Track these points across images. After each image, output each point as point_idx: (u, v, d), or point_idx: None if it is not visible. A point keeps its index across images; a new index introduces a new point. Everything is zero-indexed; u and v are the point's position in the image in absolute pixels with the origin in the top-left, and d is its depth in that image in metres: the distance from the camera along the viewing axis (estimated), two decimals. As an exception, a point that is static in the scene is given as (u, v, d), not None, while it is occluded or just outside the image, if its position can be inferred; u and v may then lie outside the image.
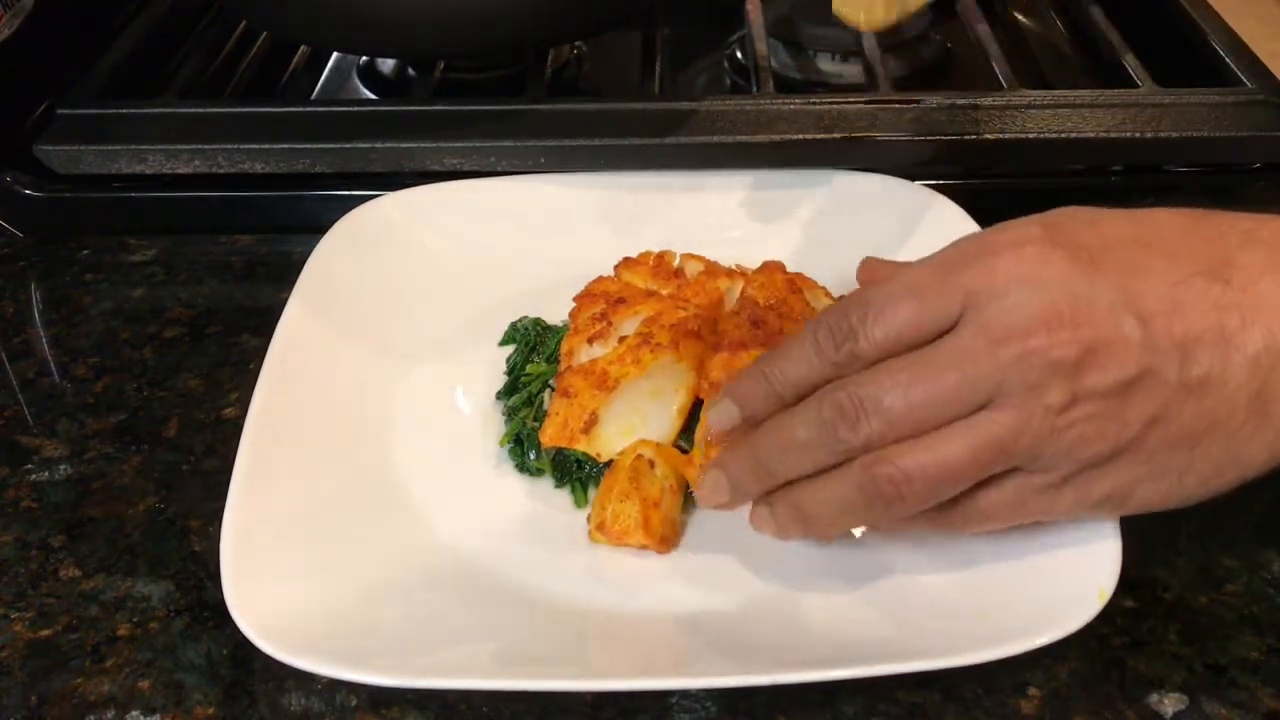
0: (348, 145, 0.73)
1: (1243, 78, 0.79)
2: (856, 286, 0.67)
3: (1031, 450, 0.44)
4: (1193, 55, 0.85)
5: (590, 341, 0.58)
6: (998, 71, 0.81)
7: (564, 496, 0.58)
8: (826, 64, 0.93)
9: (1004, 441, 0.43)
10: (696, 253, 0.66)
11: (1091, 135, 0.73)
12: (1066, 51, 0.97)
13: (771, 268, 0.61)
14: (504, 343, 0.66)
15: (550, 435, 0.56)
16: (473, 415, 0.62)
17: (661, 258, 0.65)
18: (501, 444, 0.60)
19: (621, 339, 0.58)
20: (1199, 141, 0.74)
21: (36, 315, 0.72)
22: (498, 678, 0.47)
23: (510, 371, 0.63)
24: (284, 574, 0.50)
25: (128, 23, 0.89)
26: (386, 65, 0.94)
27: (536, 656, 0.49)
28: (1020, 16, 0.99)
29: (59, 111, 0.77)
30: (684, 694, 0.49)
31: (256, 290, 0.73)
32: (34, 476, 0.60)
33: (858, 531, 0.55)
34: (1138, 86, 0.79)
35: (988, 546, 0.52)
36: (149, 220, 0.78)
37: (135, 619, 0.52)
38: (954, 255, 0.46)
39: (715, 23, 1.00)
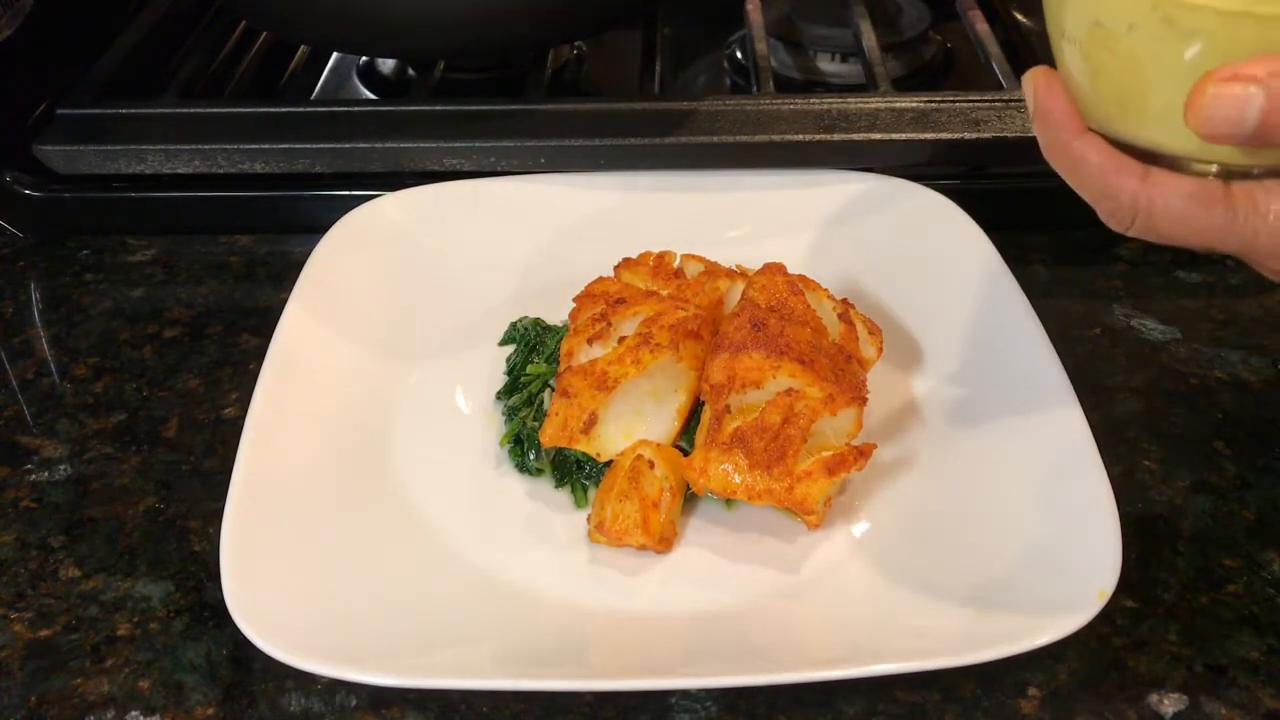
0: (348, 145, 0.73)
1: (1243, 78, 0.79)
2: (858, 288, 0.68)
3: None
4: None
5: (590, 342, 0.58)
6: (997, 71, 0.81)
7: (564, 496, 0.58)
8: (826, 64, 0.93)
9: None
10: (696, 253, 0.66)
11: (1091, 135, 0.73)
12: (1066, 51, 0.96)
13: (772, 269, 0.61)
14: (504, 343, 0.66)
15: (550, 435, 0.56)
16: (473, 415, 0.62)
17: (661, 258, 0.65)
18: (501, 444, 0.60)
19: (621, 339, 0.58)
20: (1199, 141, 0.74)
21: (36, 315, 0.72)
22: (498, 678, 0.47)
23: (510, 371, 0.63)
24: (284, 574, 0.50)
25: (128, 23, 0.89)
26: (386, 65, 0.94)
27: (536, 656, 0.49)
28: (1020, 16, 0.99)
29: (59, 111, 0.77)
30: (684, 694, 0.49)
31: (256, 290, 0.73)
32: (34, 476, 0.60)
33: (858, 531, 0.55)
34: (1138, 86, 0.79)
35: (988, 547, 0.52)
36: (149, 220, 0.78)
37: (135, 619, 0.52)
38: None
39: (715, 23, 1.00)
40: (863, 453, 0.53)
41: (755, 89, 0.81)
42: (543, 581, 0.53)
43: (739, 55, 0.96)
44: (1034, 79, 0.47)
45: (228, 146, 0.74)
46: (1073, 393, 0.56)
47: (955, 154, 0.74)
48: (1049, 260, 0.73)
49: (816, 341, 0.56)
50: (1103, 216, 0.47)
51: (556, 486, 0.58)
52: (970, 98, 0.76)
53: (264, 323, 0.67)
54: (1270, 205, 0.43)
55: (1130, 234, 0.46)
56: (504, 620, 0.51)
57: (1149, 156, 0.45)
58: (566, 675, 0.48)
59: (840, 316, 0.59)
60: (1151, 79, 0.43)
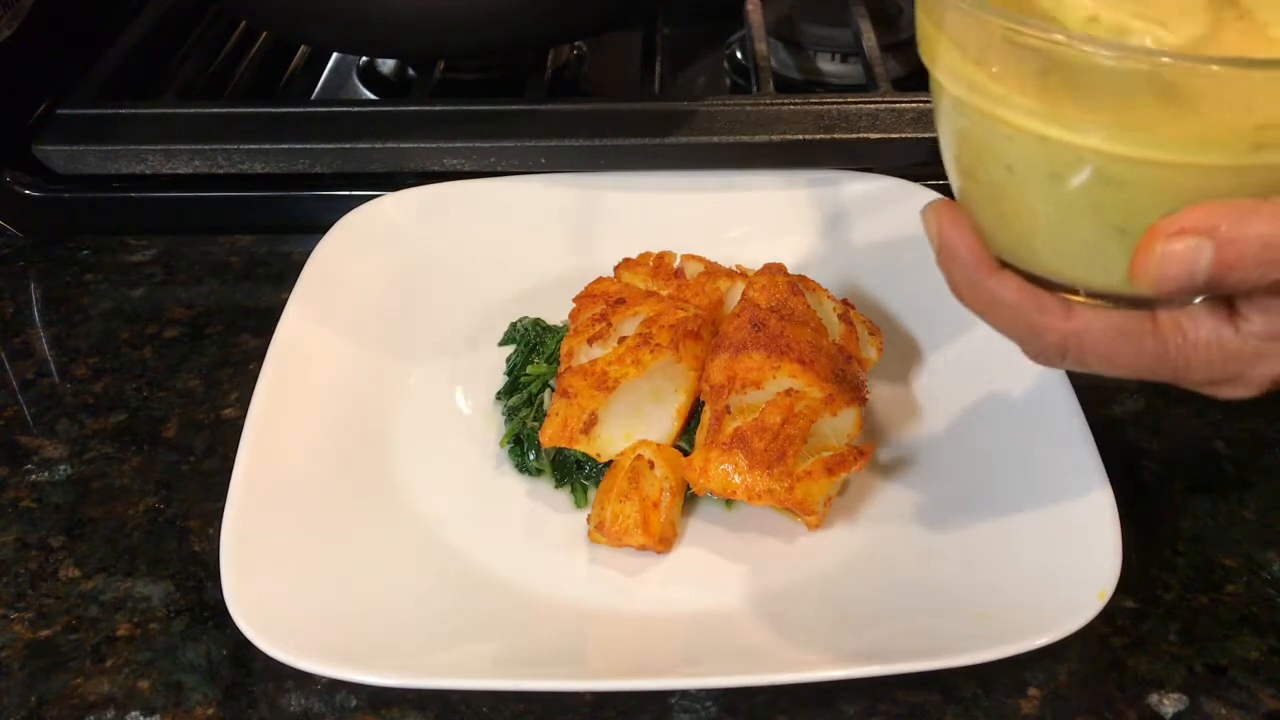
0: (348, 145, 0.73)
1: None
2: (858, 288, 0.68)
3: None
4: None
5: (590, 342, 0.58)
6: (998, 71, 0.81)
7: (564, 496, 0.58)
8: (826, 64, 0.93)
9: None
10: (697, 253, 0.66)
11: (1091, 135, 0.73)
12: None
13: (773, 269, 0.61)
14: (504, 343, 0.66)
15: (550, 436, 0.56)
16: (473, 415, 0.62)
17: (661, 258, 0.65)
18: (501, 444, 0.60)
19: (621, 340, 0.58)
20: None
21: (36, 315, 0.72)
22: (498, 678, 0.47)
23: (510, 372, 0.63)
24: (284, 574, 0.50)
25: (128, 22, 0.89)
26: (386, 65, 0.94)
27: (536, 656, 0.49)
28: (1020, 16, 0.99)
29: (59, 111, 0.77)
30: (684, 694, 0.49)
31: (256, 290, 0.73)
32: (34, 476, 0.60)
33: (858, 531, 0.55)
34: (1138, 87, 0.79)
35: (988, 547, 0.52)
36: (149, 220, 0.78)
37: (135, 619, 0.52)
38: None
39: (715, 23, 1.00)
40: (863, 453, 0.53)
41: (755, 89, 0.81)
42: (543, 581, 0.53)
43: (739, 55, 0.96)
44: (936, 216, 0.44)
45: (228, 146, 0.74)
46: (1073, 392, 0.56)
47: (955, 154, 0.73)
48: (1049, 260, 0.73)
49: (817, 342, 0.56)
50: (1028, 355, 0.44)
51: (556, 486, 0.58)
52: (970, 98, 0.76)
53: (264, 323, 0.67)
54: (1199, 333, 0.41)
55: (1059, 368, 0.44)
56: (504, 620, 0.51)
57: (1064, 286, 0.42)
58: (566, 675, 0.48)
59: (840, 317, 0.59)
60: (1074, 224, 0.40)
